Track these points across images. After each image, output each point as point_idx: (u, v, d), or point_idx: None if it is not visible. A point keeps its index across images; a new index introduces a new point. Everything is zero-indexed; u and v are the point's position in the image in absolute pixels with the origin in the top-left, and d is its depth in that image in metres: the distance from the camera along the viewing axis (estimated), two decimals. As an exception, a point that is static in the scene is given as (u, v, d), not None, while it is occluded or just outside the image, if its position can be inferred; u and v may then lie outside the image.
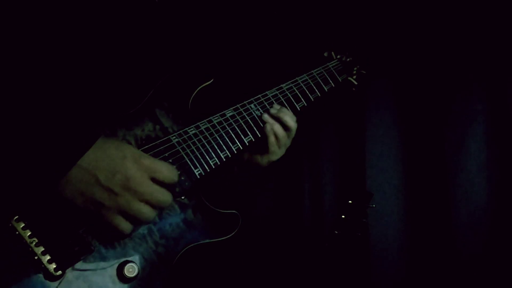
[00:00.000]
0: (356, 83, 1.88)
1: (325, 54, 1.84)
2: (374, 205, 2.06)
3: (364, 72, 1.91)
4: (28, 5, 1.30)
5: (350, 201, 2.03)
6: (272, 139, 1.53)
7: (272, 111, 1.55)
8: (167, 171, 1.25)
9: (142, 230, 1.30)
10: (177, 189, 1.37)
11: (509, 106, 2.28)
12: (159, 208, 1.24)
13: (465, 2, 2.28)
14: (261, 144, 1.54)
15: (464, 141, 2.35)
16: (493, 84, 2.33)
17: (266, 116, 1.53)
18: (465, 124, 2.35)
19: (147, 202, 1.20)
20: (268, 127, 1.52)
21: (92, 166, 1.15)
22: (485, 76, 2.34)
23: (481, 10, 2.27)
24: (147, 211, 1.20)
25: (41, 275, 1.15)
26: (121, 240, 1.27)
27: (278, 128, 1.53)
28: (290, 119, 1.55)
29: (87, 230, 1.22)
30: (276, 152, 1.56)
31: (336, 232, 2.02)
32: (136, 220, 1.21)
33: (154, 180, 1.22)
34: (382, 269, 2.36)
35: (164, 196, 1.23)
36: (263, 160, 1.57)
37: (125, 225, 1.20)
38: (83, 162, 1.14)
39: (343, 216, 2.02)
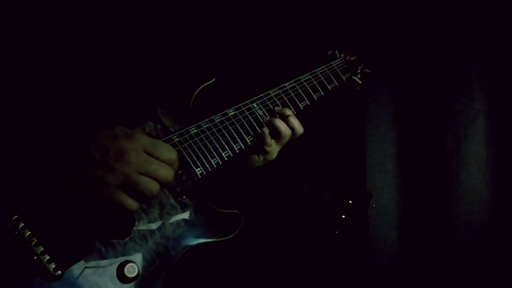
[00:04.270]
0: (360, 82, 1.85)
1: (329, 53, 1.81)
2: (374, 205, 2.05)
3: (369, 71, 1.89)
4: (28, 5, 1.29)
5: (350, 201, 2.02)
6: (269, 140, 1.53)
7: (287, 112, 1.55)
8: (164, 148, 1.22)
9: (143, 229, 1.29)
10: (178, 189, 1.36)
11: (509, 106, 2.28)
12: (161, 182, 1.20)
13: (467, 4, 2.28)
14: (259, 144, 1.54)
15: (464, 141, 2.34)
16: (493, 84, 2.32)
17: (276, 120, 1.53)
18: (465, 124, 2.34)
19: (147, 174, 1.17)
20: (265, 131, 1.52)
21: (87, 149, 1.14)
22: (485, 75, 2.33)
23: (482, 9, 2.27)
24: (147, 182, 1.17)
25: (40, 275, 1.14)
26: (122, 239, 1.26)
27: (285, 129, 1.53)
28: (298, 126, 1.55)
29: (88, 229, 1.21)
30: (273, 152, 1.56)
31: (336, 232, 2.02)
32: (139, 194, 1.17)
33: (151, 156, 1.19)
34: (382, 269, 2.36)
35: (163, 168, 1.19)
36: (260, 159, 1.57)
37: (130, 201, 1.16)
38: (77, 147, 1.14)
39: (343, 216, 2.02)
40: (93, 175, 1.13)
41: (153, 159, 1.19)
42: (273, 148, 1.55)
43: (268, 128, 1.52)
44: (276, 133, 1.52)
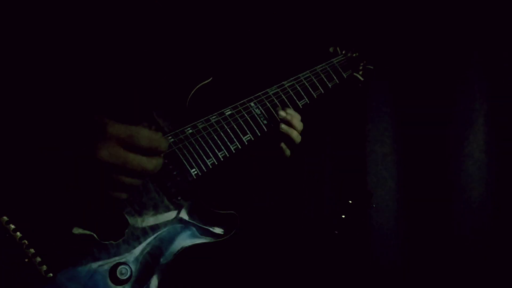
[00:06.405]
0: (362, 79, 1.80)
1: (331, 50, 1.78)
2: (374, 205, 2.05)
3: (372, 67, 1.84)
4: (27, 5, 1.28)
5: (350, 201, 2.02)
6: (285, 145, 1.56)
7: (281, 114, 1.54)
8: (142, 134, 1.13)
9: (136, 230, 1.28)
10: (173, 190, 1.35)
11: (509, 107, 2.29)
12: (145, 174, 1.16)
13: (467, 4, 2.28)
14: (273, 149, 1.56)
15: (464, 141, 2.35)
16: (493, 85, 2.33)
17: (284, 126, 1.53)
18: (466, 124, 2.37)
19: (127, 171, 1.12)
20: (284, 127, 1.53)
21: (70, 150, 1.10)
22: (486, 76, 2.34)
23: (483, 11, 2.27)
24: (128, 180, 1.13)
25: (32, 278, 1.12)
26: (115, 241, 1.24)
27: (296, 135, 1.54)
28: (298, 123, 1.55)
29: (80, 231, 1.20)
30: (288, 152, 1.59)
31: (336, 232, 2.02)
32: (124, 188, 1.15)
33: (130, 146, 1.12)
34: (382, 269, 2.36)
35: (143, 160, 1.12)
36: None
37: (117, 195, 1.15)
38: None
39: (343, 216, 2.02)
40: (77, 177, 1.11)
41: (130, 154, 1.11)
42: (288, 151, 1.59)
43: (283, 137, 1.54)
44: (288, 140, 1.55)
